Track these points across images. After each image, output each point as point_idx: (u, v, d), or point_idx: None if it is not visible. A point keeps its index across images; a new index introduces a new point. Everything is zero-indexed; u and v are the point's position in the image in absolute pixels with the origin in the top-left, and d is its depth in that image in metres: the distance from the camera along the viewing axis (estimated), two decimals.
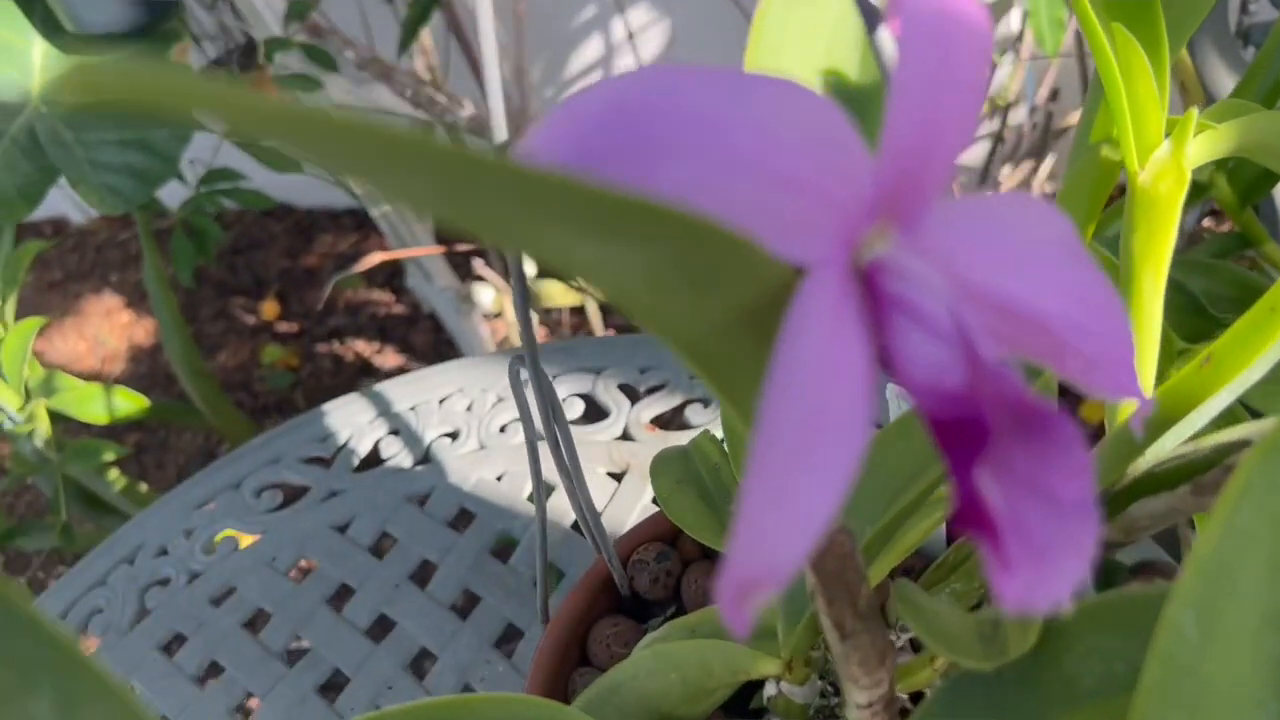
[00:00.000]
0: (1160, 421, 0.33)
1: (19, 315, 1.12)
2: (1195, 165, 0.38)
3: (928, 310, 0.19)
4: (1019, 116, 1.44)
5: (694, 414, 0.72)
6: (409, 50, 1.26)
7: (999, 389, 0.18)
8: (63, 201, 2.03)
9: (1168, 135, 0.38)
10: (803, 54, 0.29)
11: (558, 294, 1.51)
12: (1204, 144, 0.38)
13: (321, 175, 1.57)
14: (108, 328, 1.97)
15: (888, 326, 0.20)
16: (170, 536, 0.73)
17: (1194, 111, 0.37)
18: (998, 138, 1.42)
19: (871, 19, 0.26)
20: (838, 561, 0.29)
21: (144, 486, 1.18)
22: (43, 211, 2.06)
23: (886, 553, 0.34)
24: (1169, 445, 0.33)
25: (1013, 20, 1.35)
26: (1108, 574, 0.48)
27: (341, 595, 0.66)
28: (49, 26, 1.10)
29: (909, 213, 0.21)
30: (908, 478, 0.32)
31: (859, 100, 0.28)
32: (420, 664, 0.62)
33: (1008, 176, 1.42)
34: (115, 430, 1.73)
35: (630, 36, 1.51)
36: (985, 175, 1.45)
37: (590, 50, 1.56)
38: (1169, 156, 0.37)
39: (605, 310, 1.58)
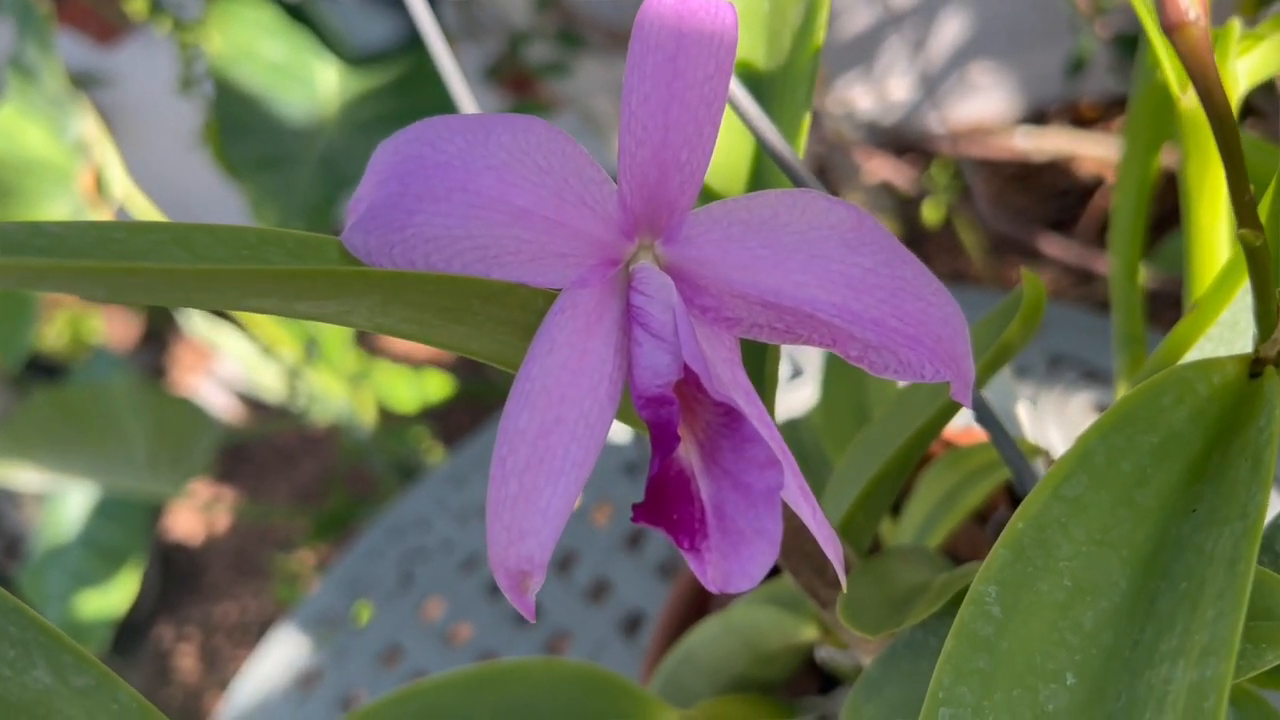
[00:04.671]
0: (1158, 369, 0.31)
1: None
2: (1253, 83, 0.35)
3: (658, 320, 0.21)
4: None
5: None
6: None
7: (702, 392, 0.20)
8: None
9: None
10: None
11: None
12: (1259, 60, 0.34)
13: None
14: None
15: (630, 337, 0.22)
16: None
17: (1235, 24, 0.34)
18: None
19: None
20: (792, 535, 0.31)
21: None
22: None
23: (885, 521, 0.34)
24: None
25: None
26: None
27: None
28: (337, 49, 1.25)
29: (666, 226, 0.22)
30: (874, 460, 0.33)
31: (771, 85, 0.29)
32: None
33: None
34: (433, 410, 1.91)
35: None
36: None
37: None
38: None
39: None
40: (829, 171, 1.45)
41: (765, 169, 0.30)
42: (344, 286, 0.20)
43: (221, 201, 1.67)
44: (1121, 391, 0.40)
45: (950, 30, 1.43)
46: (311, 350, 1.28)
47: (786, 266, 0.22)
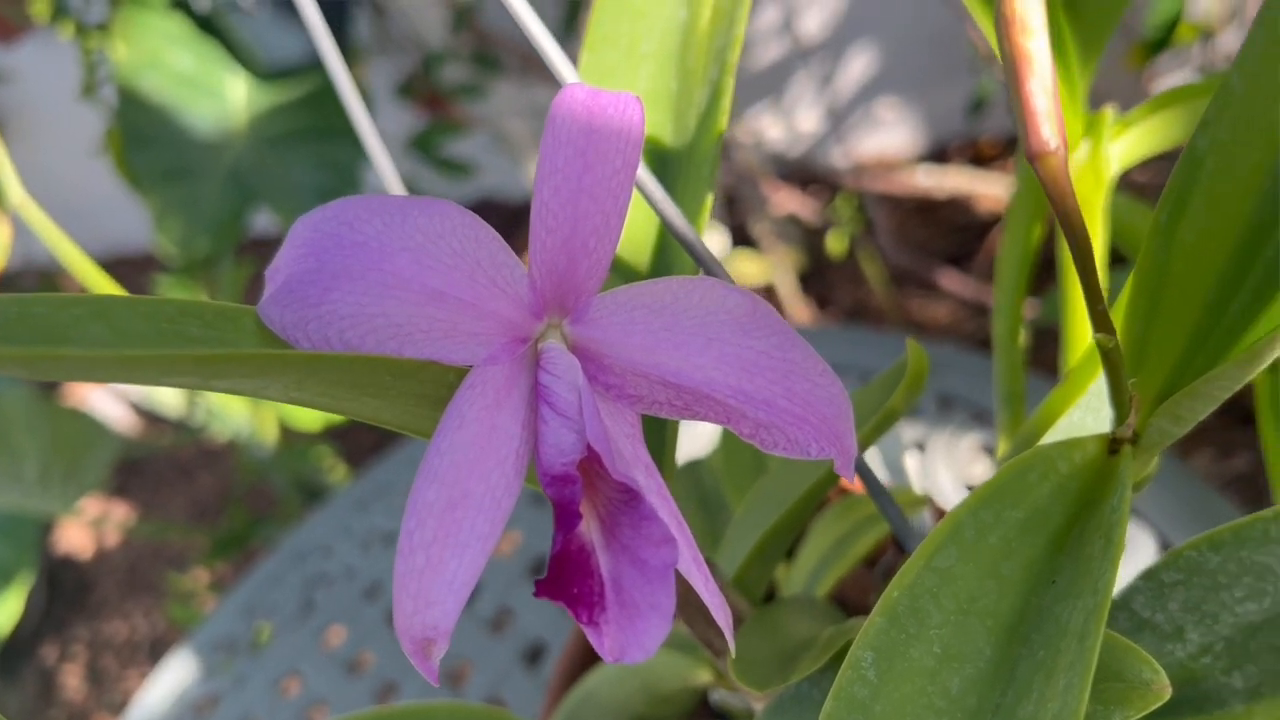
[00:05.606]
0: (1029, 437, 0.33)
1: None
2: (1125, 166, 0.37)
3: (564, 400, 0.22)
4: (1229, 43, 1.33)
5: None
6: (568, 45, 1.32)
7: (604, 470, 0.21)
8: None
9: (1088, 136, 0.37)
10: None
11: (747, 270, 1.53)
12: (1130, 144, 0.37)
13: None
14: None
15: (537, 414, 0.23)
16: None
17: (1107, 112, 0.36)
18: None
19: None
20: (687, 590, 0.32)
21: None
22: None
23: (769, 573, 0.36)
24: None
25: None
26: None
27: None
28: (247, 63, 1.23)
29: (574, 307, 0.24)
30: (769, 513, 0.34)
31: (676, 162, 0.31)
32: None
33: None
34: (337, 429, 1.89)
35: None
36: None
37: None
38: (1087, 158, 0.37)
39: (804, 282, 1.58)
40: (738, 202, 1.48)
41: (670, 241, 0.31)
42: (261, 368, 0.20)
43: (127, 209, 1.63)
44: (1003, 446, 0.42)
45: (857, 66, 1.47)
46: None
47: (686, 349, 0.23)
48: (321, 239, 0.23)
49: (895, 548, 0.49)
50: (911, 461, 0.47)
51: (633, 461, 0.24)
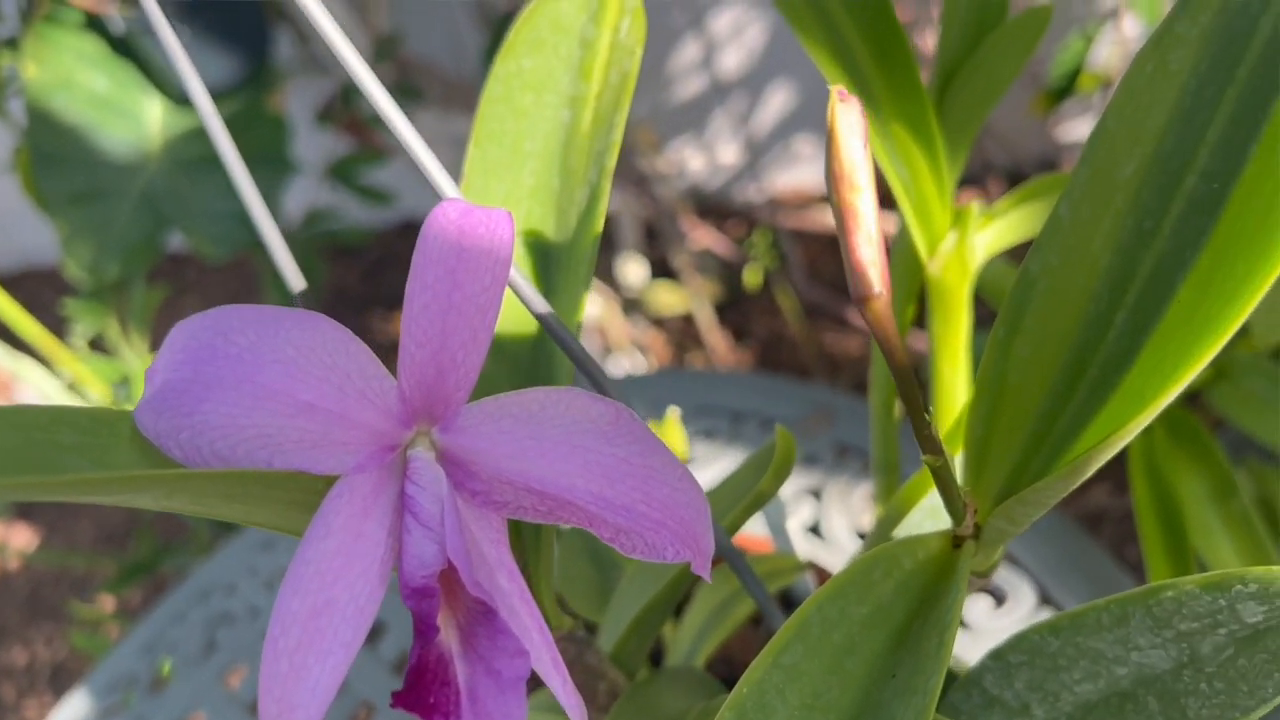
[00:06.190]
0: (894, 515, 0.35)
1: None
2: (990, 255, 0.40)
3: (428, 511, 0.23)
4: None
5: None
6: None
7: (460, 583, 0.22)
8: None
9: (955, 227, 0.39)
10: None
11: (667, 300, 1.55)
12: (995, 235, 0.39)
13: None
14: None
15: (401, 524, 0.24)
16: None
17: (973, 206, 0.39)
18: None
19: None
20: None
21: None
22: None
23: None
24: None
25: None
26: None
27: None
28: (162, 87, 1.22)
29: (442, 416, 0.25)
30: (653, 581, 0.36)
31: (557, 256, 0.32)
32: None
33: None
34: None
35: None
36: None
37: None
38: (953, 249, 0.39)
39: (722, 313, 1.60)
40: (658, 236, 1.50)
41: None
42: (129, 485, 0.21)
43: (37, 222, 1.59)
44: (880, 511, 0.44)
45: (775, 102, 1.51)
46: (121, 391, 1.24)
47: (551, 457, 0.25)
48: (198, 348, 0.23)
49: (781, 608, 0.51)
50: (794, 528, 0.48)
51: (496, 566, 0.25)
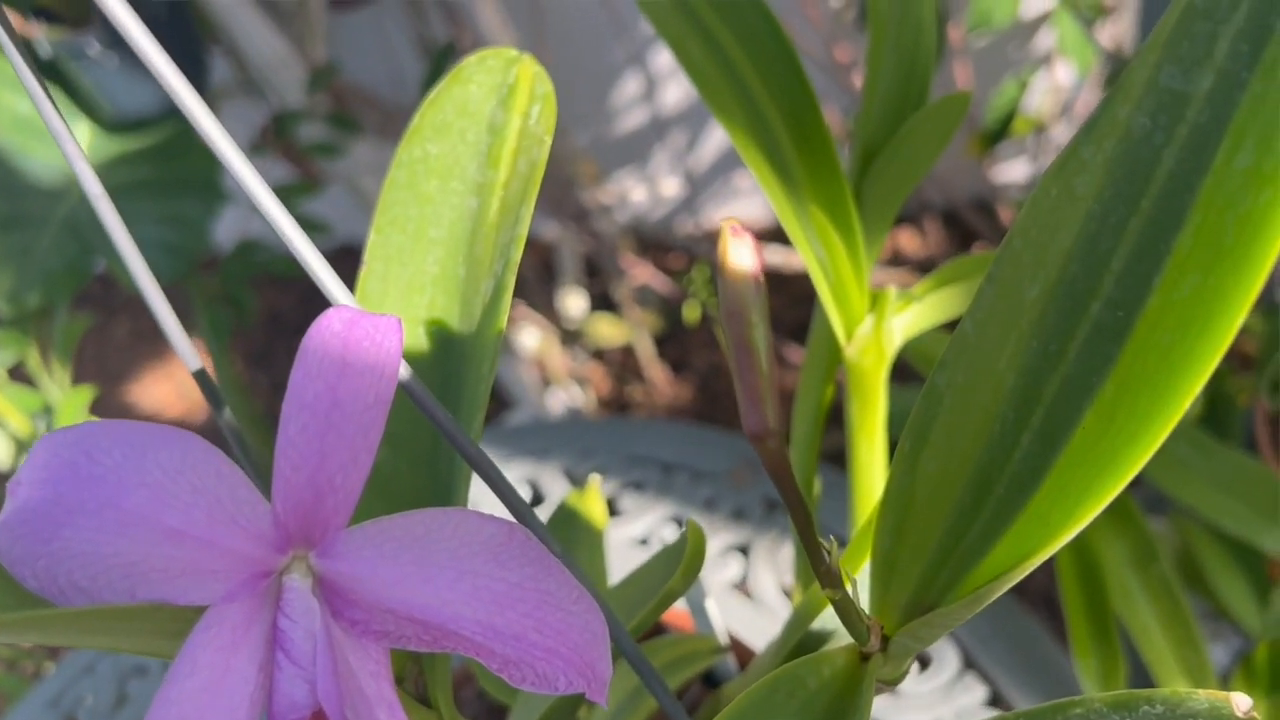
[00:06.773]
0: (808, 611, 0.34)
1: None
2: (907, 338, 0.39)
3: (300, 648, 0.22)
4: (1061, 135, 1.41)
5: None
6: None
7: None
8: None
9: (873, 311, 0.39)
10: (406, 305, 0.31)
11: (607, 333, 1.54)
12: (913, 319, 0.39)
13: None
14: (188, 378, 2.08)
15: (272, 660, 0.23)
16: None
17: (890, 291, 0.38)
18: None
19: None
20: None
21: None
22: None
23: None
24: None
25: (1042, 42, 1.32)
26: None
27: None
28: (90, 111, 1.19)
29: (320, 540, 0.23)
30: None
31: (460, 348, 0.31)
32: None
33: None
34: None
35: None
36: None
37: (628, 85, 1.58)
38: (870, 333, 0.38)
39: (662, 345, 1.59)
40: (599, 271, 1.50)
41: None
42: None
43: None
44: (797, 595, 0.44)
45: (717, 137, 1.51)
46: (43, 422, 1.21)
47: (435, 583, 0.23)
48: (60, 466, 0.22)
49: (701, 684, 0.50)
50: (714, 608, 0.48)
51: (375, 702, 0.24)
